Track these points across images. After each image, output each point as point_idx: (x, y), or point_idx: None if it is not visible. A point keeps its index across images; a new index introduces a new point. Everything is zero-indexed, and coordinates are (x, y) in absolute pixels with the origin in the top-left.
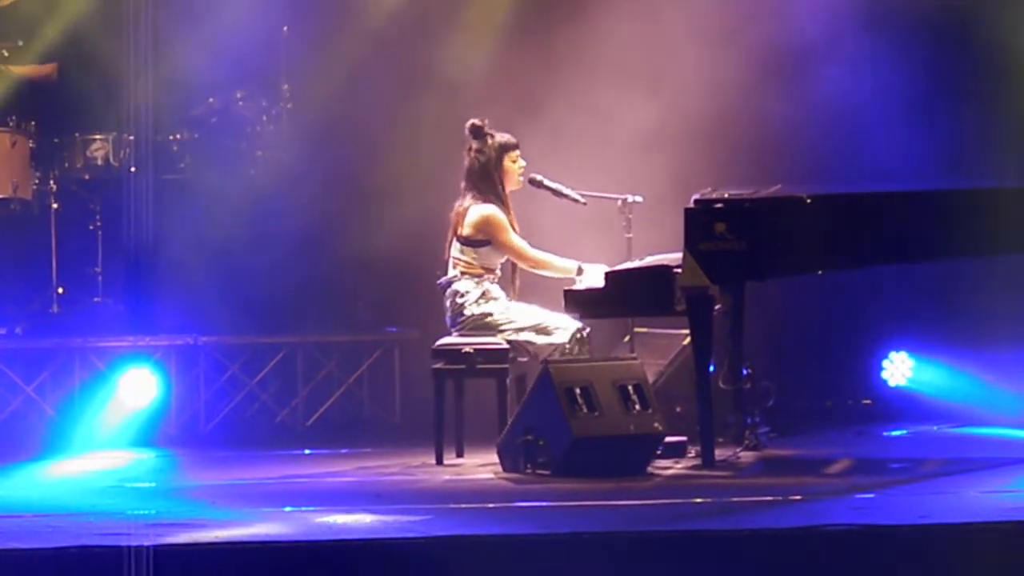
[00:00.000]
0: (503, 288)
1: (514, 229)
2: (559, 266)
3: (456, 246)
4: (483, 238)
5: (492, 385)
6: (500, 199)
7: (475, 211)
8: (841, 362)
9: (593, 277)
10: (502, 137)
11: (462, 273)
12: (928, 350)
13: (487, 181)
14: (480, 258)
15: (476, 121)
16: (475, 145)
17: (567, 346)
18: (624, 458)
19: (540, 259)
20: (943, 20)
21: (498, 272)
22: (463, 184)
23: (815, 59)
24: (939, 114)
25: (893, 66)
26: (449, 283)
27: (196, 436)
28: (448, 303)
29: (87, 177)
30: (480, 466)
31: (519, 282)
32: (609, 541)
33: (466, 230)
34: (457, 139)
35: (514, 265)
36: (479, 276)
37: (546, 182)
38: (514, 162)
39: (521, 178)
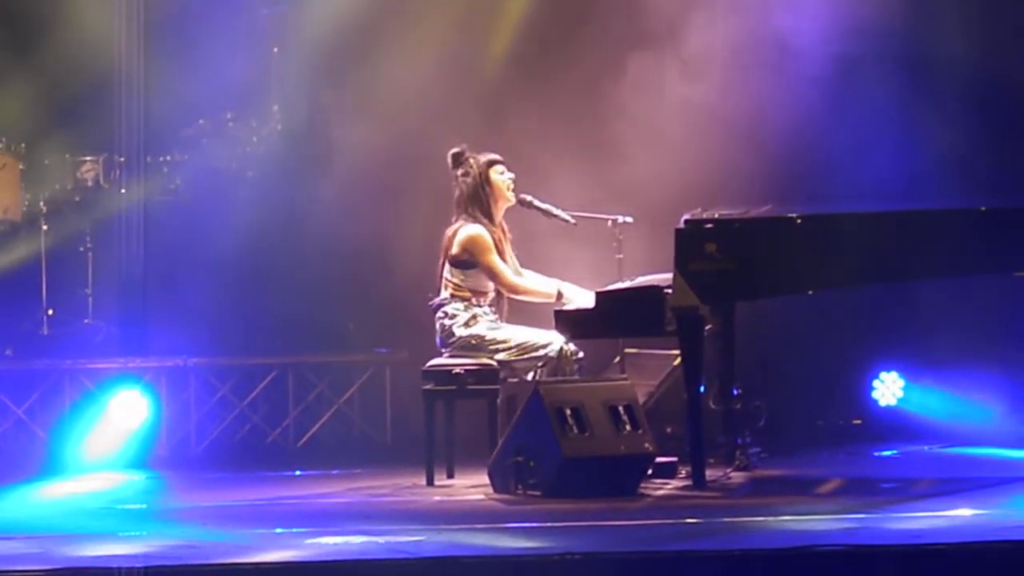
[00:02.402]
0: (493, 309)
1: (500, 252)
2: (536, 291)
3: (447, 268)
4: (468, 258)
5: (482, 406)
6: (491, 219)
7: (463, 231)
8: (831, 382)
9: (574, 301)
10: (484, 156)
11: (452, 295)
12: (918, 370)
13: (477, 201)
14: (468, 280)
15: (455, 149)
16: (459, 172)
17: (555, 362)
18: (615, 479)
19: (517, 285)
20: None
21: (490, 294)
22: (454, 213)
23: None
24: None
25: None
26: (440, 304)
27: (187, 457)
28: (438, 324)
29: (77, 199)
30: (471, 487)
31: (507, 304)
32: (600, 562)
33: (454, 250)
34: (447, 162)
35: None
36: (467, 298)
37: (536, 202)
38: (502, 174)
39: (511, 193)
